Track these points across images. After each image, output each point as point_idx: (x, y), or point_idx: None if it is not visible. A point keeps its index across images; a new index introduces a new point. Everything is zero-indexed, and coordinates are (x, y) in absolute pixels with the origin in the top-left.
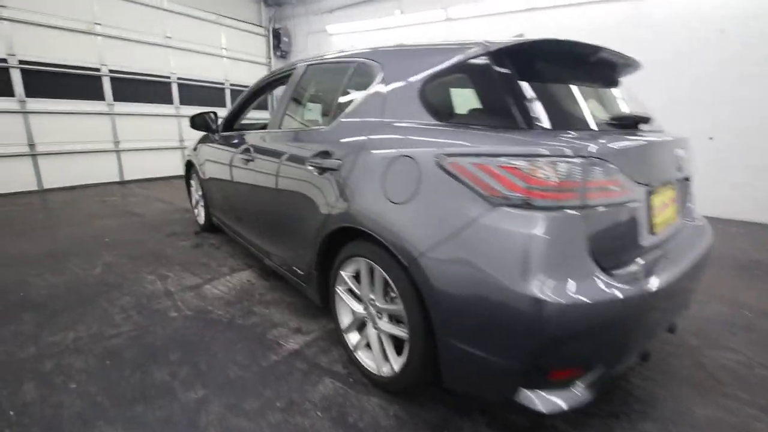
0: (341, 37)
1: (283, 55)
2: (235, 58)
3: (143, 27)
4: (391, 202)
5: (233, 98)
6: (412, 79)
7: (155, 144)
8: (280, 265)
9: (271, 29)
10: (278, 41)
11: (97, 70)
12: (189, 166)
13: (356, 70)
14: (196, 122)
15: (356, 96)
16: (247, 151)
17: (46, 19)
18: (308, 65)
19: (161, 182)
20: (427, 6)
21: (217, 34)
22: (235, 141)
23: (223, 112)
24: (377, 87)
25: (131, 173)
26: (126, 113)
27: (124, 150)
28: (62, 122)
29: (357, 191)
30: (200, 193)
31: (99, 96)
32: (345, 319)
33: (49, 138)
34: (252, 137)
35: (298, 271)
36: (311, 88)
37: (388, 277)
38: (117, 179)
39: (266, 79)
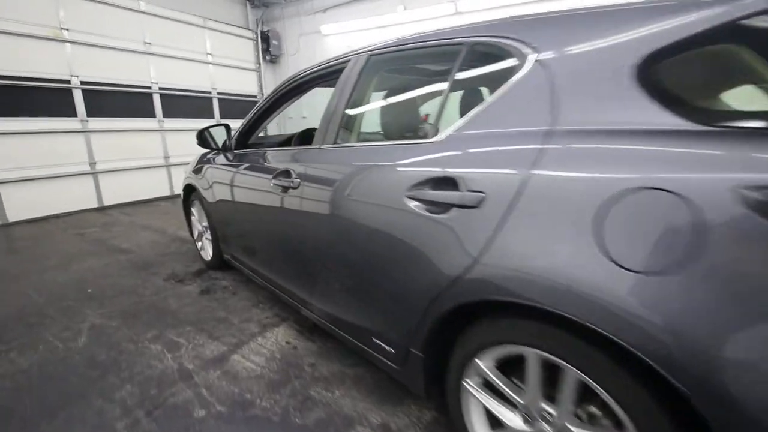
0: (337, 37)
1: (273, 60)
2: (222, 65)
3: (119, 32)
4: (621, 267)
5: (222, 108)
6: (617, 58)
7: (137, 163)
8: (344, 330)
9: (258, 32)
10: (267, 45)
11: (67, 82)
12: (189, 190)
13: (471, 56)
14: (205, 138)
15: (478, 93)
16: (285, 174)
17: (2, 25)
18: (370, 55)
19: (146, 205)
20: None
21: (201, 38)
22: (260, 161)
23: (213, 126)
24: (532, 77)
25: (111, 197)
26: (102, 129)
27: (101, 171)
28: (26, 143)
29: (528, 244)
30: (205, 223)
31: (70, 112)
32: None
33: (11, 163)
34: (289, 156)
35: (384, 347)
36: (380, 86)
37: (605, 393)
38: (95, 205)
39: (295, 80)
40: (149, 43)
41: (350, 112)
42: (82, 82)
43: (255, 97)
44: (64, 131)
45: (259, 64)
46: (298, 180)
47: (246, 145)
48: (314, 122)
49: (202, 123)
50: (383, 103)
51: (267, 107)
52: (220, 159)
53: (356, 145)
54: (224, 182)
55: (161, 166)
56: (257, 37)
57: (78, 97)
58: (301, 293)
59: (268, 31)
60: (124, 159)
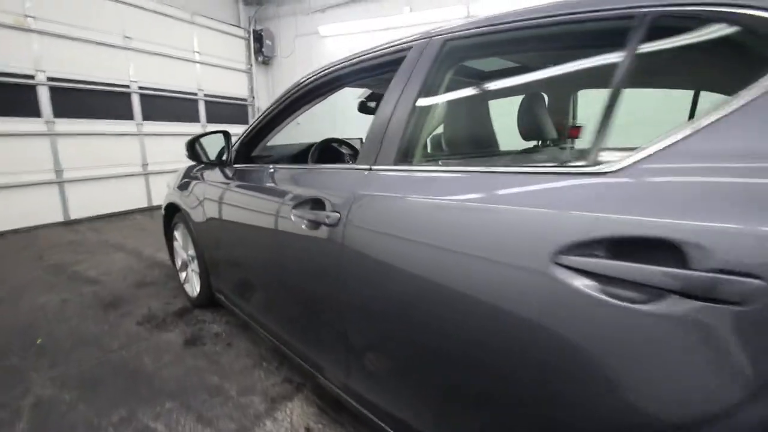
0: (337, 39)
1: (266, 61)
2: (210, 64)
3: (94, 23)
4: None
5: (209, 112)
6: None
7: (111, 171)
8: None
9: (251, 31)
10: (260, 45)
11: (31, 77)
12: (172, 210)
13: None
14: (198, 150)
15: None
16: (315, 205)
17: None
18: (447, 40)
19: (120, 219)
20: (442, 1)
21: (188, 34)
22: (270, 181)
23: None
24: None
25: (80, 210)
26: (71, 133)
27: (69, 180)
28: None
29: None
30: (192, 252)
31: (34, 112)
32: None
33: None
34: (315, 178)
35: None
36: (469, 83)
37: None
38: (60, 219)
39: (318, 77)
40: (129, 38)
41: (420, 120)
42: (49, 78)
43: (245, 100)
44: (25, 134)
45: (251, 65)
46: (338, 215)
47: (249, 158)
48: (310, 131)
49: (185, 127)
50: (478, 107)
51: (277, 111)
52: (215, 174)
53: (443, 170)
54: (219, 204)
55: (139, 174)
56: (249, 36)
57: (43, 95)
58: (326, 361)
59: (261, 30)
60: (96, 166)
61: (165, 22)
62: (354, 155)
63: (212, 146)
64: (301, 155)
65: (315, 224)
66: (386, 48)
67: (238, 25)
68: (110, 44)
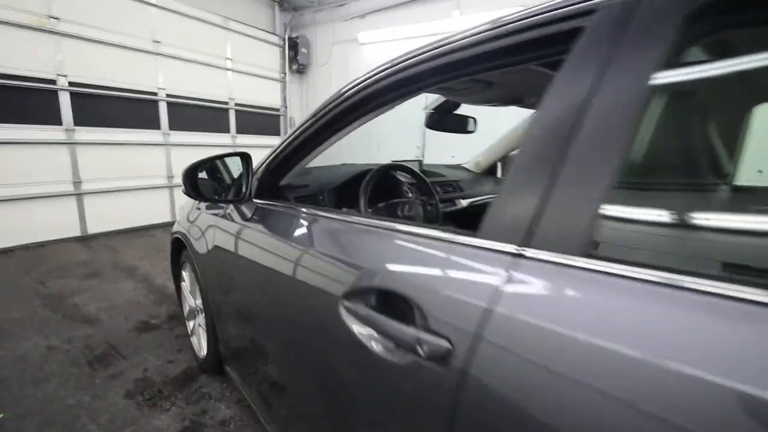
0: (376, 46)
1: (300, 70)
2: (243, 72)
3: (121, 26)
4: None
5: (239, 122)
6: None
7: (134, 183)
8: None
9: (286, 38)
10: (295, 53)
11: (52, 82)
12: (178, 246)
13: None
14: (198, 184)
15: None
16: (398, 309)
17: None
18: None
19: (140, 235)
20: (496, 3)
21: (221, 40)
22: (314, 233)
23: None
24: None
25: (98, 224)
26: (92, 141)
27: (88, 192)
28: None
29: None
30: (200, 301)
31: (54, 119)
32: None
33: None
34: (414, 257)
35: None
36: None
37: None
38: (77, 233)
39: (393, 70)
40: (158, 42)
41: (652, 144)
42: (71, 83)
43: (278, 110)
44: (43, 142)
45: (285, 73)
46: (446, 345)
47: (276, 190)
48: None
49: (214, 137)
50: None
51: (317, 128)
52: (232, 212)
53: None
54: (232, 254)
55: (163, 186)
56: (284, 43)
57: (65, 102)
58: None
59: (296, 37)
60: (118, 178)
61: (197, 26)
62: (426, 196)
63: (231, 168)
64: (349, 187)
65: (392, 343)
66: (522, 19)
67: (273, 31)
68: (138, 48)
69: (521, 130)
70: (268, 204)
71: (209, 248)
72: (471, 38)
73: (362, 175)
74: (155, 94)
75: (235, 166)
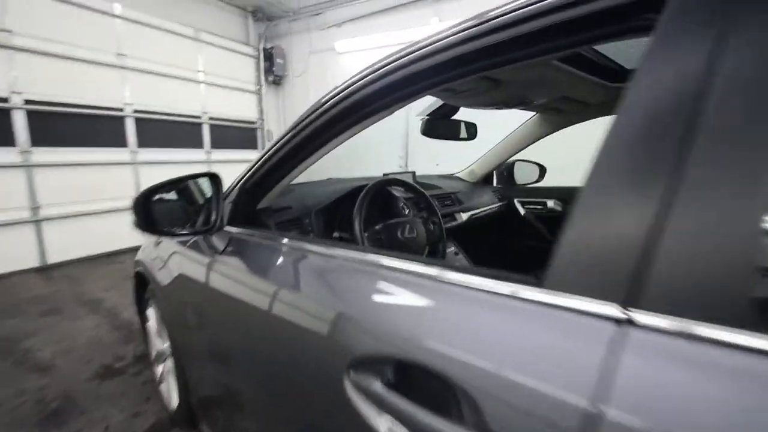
0: (355, 55)
1: (277, 81)
2: (216, 84)
3: (82, 39)
4: None
5: (214, 136)
6: None
7: (99, 206)
8: None
9: (261, 49)
10: (271, 63)
11: (5, 100)
12: (142, 280)
13: None
14: (153, 211)
15: None
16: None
17: None
18: None
19: (106, 262)
20: (474, 10)
21: (193, 53)
22: (302, 271)
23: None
24: None
25: (59, 253)
26: (51, 163)
27: (47, 218)
28: None
29: None
30: (168, 344)
31: (7, 140)
32: None
33: None
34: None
35: None
36: None
37: None
38: (35, 264)
39: (395, 65)
40: (124, 55)
41: None
42: (26, 101)
43: (254, 123)
44: None
45: (261, 85)
46: None
47: (253, 214)
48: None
49: (187, 154)
50: None
51: (301, 139)
52: (200, 243)
53: None
54: (204, 297)
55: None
56: (259, 54)
57: (19, 121)
58: None
59: (272, 48)
60: (81, 201)
61: (166, 38)
62: (427, 212)
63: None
64: (339, 207)
65: None
66: None
67: (246, 42)
68: (101, 62)
69: (521, 136)
70: (245, 233)
71: (175, 287)
72: (486, 25)
73: (353, 193)
74: (121, 110)
75: (204, 188)
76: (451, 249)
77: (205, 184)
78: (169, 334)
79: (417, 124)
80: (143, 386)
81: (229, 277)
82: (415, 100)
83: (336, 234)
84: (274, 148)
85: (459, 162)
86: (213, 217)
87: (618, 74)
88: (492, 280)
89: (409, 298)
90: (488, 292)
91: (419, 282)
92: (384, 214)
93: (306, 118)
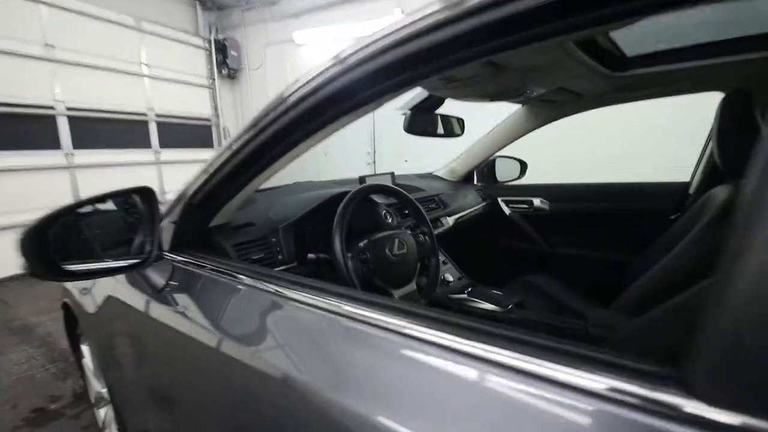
0: (315, 47)
1: (232, 74)
2: (163, 78)
3: (2, 28)
4: None
5: (162, 135)
6: None
7: (29, 216)
8: None
9: (212, 40)
10: (224, 56)
11: None
12: (71, 314)
13: None
14: (48, 252)
15: None
16: None
17: None
18: None
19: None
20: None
21: (134, 43)
22: (270, 320)
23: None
24: None
25: None
26: None
27: None
28: None
29: None
30: (105, 390)
31: None
32: None
33: None
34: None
35: None
36: None
37: None
38: None
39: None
40: (52, 47)
41: None
42: None
43: (208, 120)
44: None
45: (213, 79)
46: None
47: (205, 237)
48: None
49: (133, 155)
50: None
51: (267, 137)
52: (136, 277)
53: None
54: (142, 345)
55: None
56: (211, 45)
57: None
58: None
59: (224, 39)
60: (8, 212)
61: (103, 27)
62: (415, 221)
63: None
64: (312, 221)
65: None
66: None
67: (196, 33)
68: (24, 54)
69: (506, 131)
70: (192, 262)
71: (108, 330)
72: None
73: (328, 204)
74: (52, 108)
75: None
76: (441, 259)
77: (139, 202)
78: (105, 380)
79: (386, 118)
80: (84, 431)
81: (172, 326)
82: (407, 90)
83: (311, 256)
84: (231, 151)
85: (429, 159)
86: (148, 246)
87: (620, 62)
88: (586, 370)
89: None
90: (584, 392)
91: (451, 363)
92: (366, 227)
93: (271, 112)
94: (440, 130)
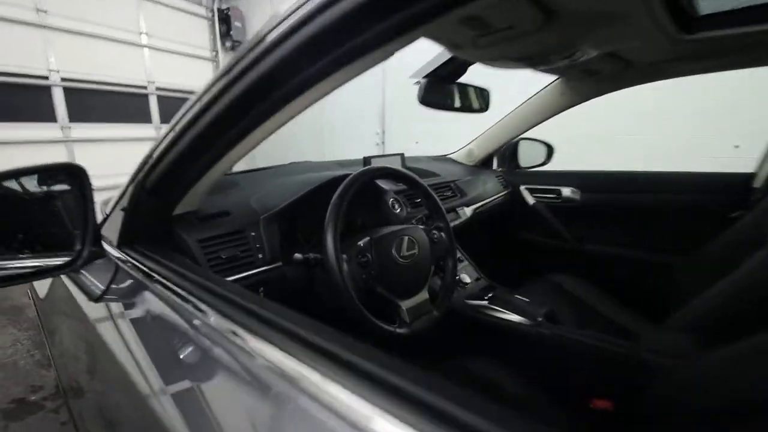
0: None
1: (235, 47)
2: (164, 49)
3: None
4: None
5: (163, 109)
6: None
7: None
8: None
9: (215, 10)
10: (228, 27)
11: None
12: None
13: None
14: None
15: None
16: None
17: None
18: None
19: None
20: None
21: (133, 10)
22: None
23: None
24: None
25: None
26: None
27: None
28: None
29: None
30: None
31: None
32: None
33: None
34: None
35: None
36: None
37: None
38: None
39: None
40: (44, 12)
41: None
42: None
43: None
44: None
45: (216, 51)
46: None
47: (166, 228)
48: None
49: (132, 129)
50: None
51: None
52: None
53: None
54: (90, 356)
55: None
56: (213, 15)
57: None
58: None
59: (227, 9)
60: None
61: None
62: (429, 212)
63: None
64: (303, 210)
65: None
66: None
67: (198, 1)
68: (14, 19)
69: (534, 109)
70: (141, 265)
71: (51, 318)
72: None
73: (324, 189)
74: (46, 77)
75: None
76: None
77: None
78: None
79: (396, 93)
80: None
81: (107, 343)
82: (424, 31)
83: (298, 256)
84: (190, 116)
85: (441, 141)
86: (79, 244)
87: (690, 22)
88: None
89: None
90: None
91: None
92: (368, 220)
93: (242, 60)
94: (459, 103)
